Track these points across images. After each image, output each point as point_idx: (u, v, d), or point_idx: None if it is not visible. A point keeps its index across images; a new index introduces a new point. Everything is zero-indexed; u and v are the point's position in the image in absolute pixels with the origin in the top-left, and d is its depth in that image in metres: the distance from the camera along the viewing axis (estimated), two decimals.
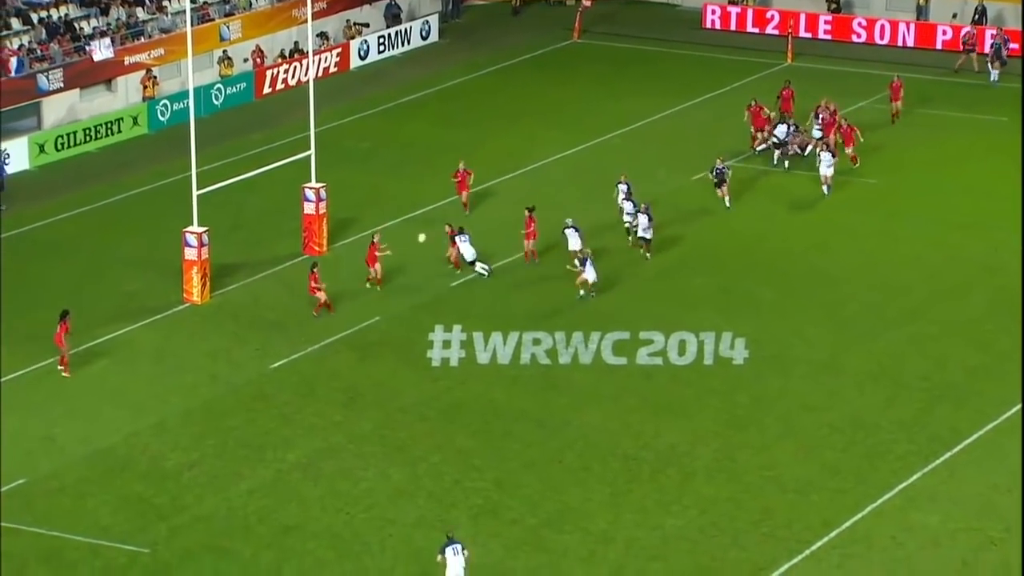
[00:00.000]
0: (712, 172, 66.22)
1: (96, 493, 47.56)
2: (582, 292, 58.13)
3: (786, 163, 70.79)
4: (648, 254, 61.26)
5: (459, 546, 41.88)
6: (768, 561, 44.11)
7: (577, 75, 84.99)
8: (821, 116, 71.58)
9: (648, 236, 61.19)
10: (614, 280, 60.59)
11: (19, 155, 72.00)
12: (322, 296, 57.06)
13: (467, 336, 55.46)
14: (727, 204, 65.78)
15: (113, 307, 58.90)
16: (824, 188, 67.58)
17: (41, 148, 72.92)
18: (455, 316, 56.64)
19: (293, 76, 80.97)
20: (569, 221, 60.75)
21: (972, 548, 45.00)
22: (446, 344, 55.34)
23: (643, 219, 60.91)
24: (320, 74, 78.25)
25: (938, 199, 68.57)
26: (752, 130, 72.56)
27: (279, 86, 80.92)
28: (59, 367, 53.49)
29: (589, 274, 58.06)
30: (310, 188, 62.72)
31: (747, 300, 59.12)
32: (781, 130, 71.18)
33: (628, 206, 62.64)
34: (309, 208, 62.85)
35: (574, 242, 60.23)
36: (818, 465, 48.78)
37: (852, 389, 53.40)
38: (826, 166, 67.30)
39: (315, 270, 57.22)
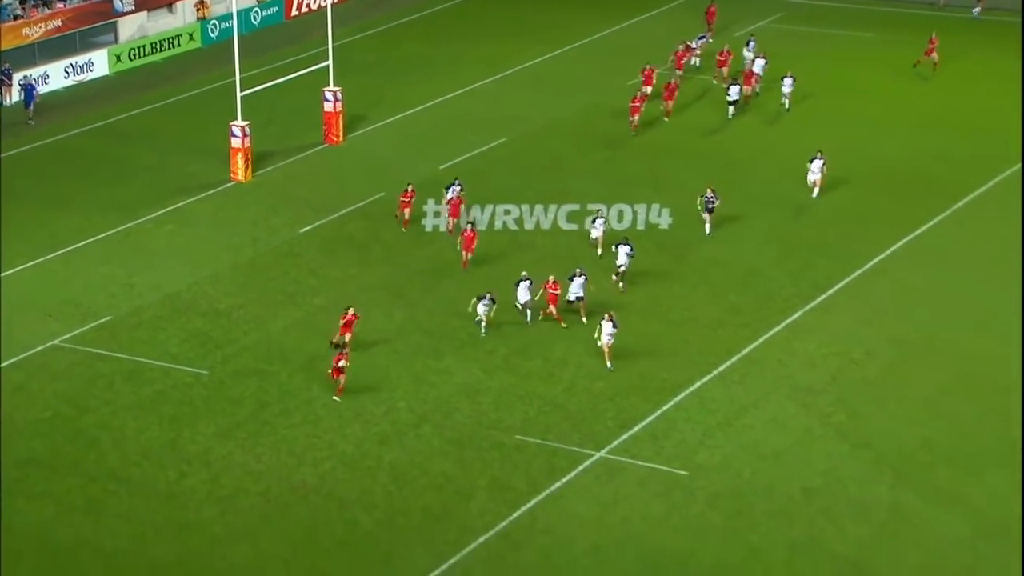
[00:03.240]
0: (702, 198, 54.12)
1: (166, 328, 48.14)
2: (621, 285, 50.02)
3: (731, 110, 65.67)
4: (622, 284, 50.19)
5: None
6: (686, 379, 44.73)
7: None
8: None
9: (624, 268, 50.11)
10: (567, 163, 60.91)
11: (100, 64, 72.01)
12: (341, 380, 44.19)
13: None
14: (708, 230, 54.01)
15: (176, 184, 59.11)
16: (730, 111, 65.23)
17: (118, 58, 72.82)
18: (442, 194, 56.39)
19: (315, 1, 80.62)
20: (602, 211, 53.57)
21: (839, 366, 45.81)
22: (436, 215, 55.35)
23: (623, 249, 49.98)
24: (337, 0, 78.16)
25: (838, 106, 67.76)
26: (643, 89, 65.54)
27: (304, 9, 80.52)
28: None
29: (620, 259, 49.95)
30: (329, 91, 62.72)
31: (672, 180, 58.83)
32: (734, 90, 64.94)
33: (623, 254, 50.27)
34: (328, 107, 62.80)
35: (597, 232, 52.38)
36: (725, 306, 49.26)
37: (752, 248, 53.59)
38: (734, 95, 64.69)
39: (344, 350, 44.79)
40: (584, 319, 47.31)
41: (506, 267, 50.78)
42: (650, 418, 42.79)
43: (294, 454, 41.37)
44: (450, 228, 53.81)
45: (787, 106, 65.79)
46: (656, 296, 50.16)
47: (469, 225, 52.09)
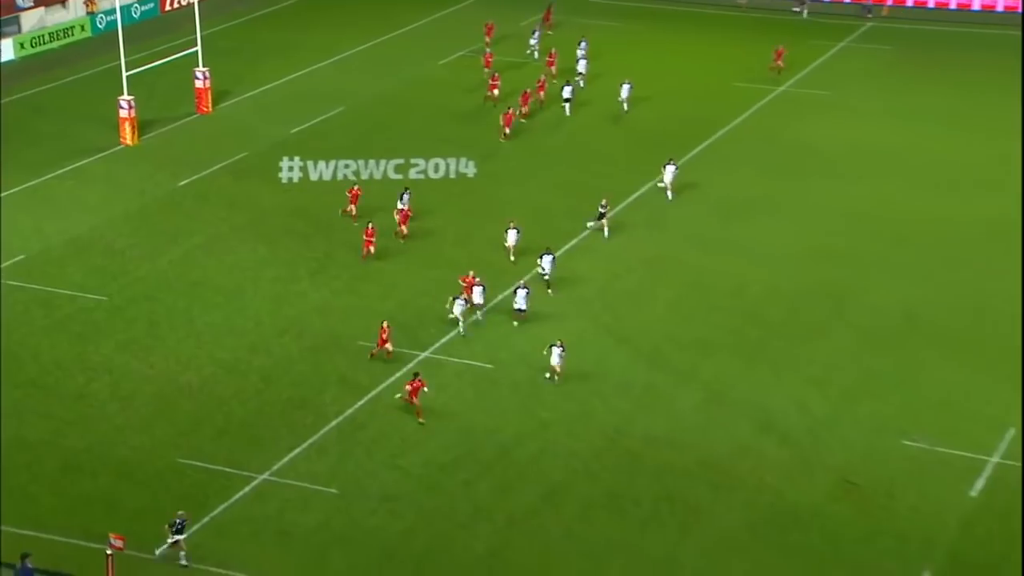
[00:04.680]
0: (600, 207, 49.78)
1: (71, 264, 47.70)
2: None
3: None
4: (550, 290, 45.54)
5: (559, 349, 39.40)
6: (490, 295, 45.00)
7: None
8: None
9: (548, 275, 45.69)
10: (393, 127, 60.82)
11: (7, 50, 70.22)
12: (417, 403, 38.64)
13: (303, 163, 55.27)
14: (605, 235, 49.53)
15: (76, 148, 58.06)
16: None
17: (22, 45, 71.06)
18: (296, 151, 56.33)
19: None
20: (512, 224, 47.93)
21: (606, 280, 46.12)
22: (290, 169, 55.20)
23: (547, 259, 45.54)
24: None
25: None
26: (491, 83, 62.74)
27: (176, 5, 78.79)
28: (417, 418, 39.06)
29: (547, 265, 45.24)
30: (199, 71, 62.10)
31: (476, 138, 58.97)
32: (567, 90, 61.16)
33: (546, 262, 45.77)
34: (199, 84, 62.18)
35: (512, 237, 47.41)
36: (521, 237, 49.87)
37: (543, 191, 53.82)
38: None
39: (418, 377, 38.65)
40: (514, 323, 43.28)
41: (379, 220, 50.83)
42: (462, 325, 43.60)
43: (180, 362, 41.48)
44: (401, 234, 48.99)
45: (626, 108, 61.61)
46: (467, 230, 50.48)
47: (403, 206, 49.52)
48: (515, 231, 47.30)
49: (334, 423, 38.37)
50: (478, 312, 43.50)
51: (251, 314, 44.40)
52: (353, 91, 65.56)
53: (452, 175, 55.05)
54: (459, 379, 40.80)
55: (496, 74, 63.41)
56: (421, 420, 38.01)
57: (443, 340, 42.73)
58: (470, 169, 55.32)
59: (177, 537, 32.33)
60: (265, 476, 35.95)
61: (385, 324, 41.17)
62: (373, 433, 38.10)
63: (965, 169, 56.15)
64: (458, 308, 42.69)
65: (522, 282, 44.07)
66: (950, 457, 36.84)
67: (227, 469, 36.19)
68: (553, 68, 65.48)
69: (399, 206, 49.72)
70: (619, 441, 37.63)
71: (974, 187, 54.30)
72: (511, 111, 59.14)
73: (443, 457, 37.06)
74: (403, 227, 49.05)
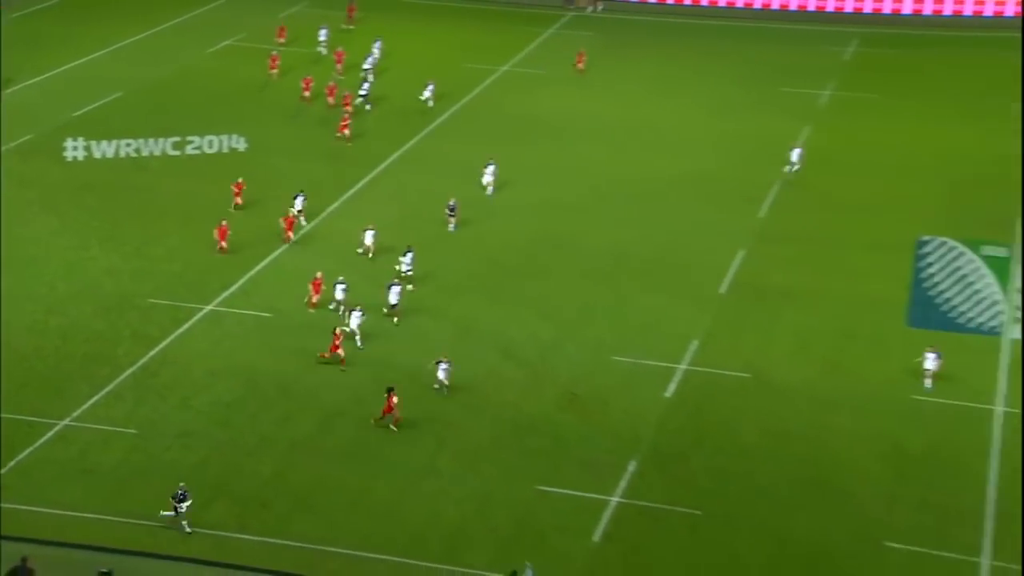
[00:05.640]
0: (447, 207, 47.35)
1: None
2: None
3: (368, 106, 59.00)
4: (410, 286, 42.41)
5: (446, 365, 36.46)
6: (266, 251, 44.58)
7: None
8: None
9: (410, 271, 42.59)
10: (170, 109, 59.12)
11: None
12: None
13: (87, 143, 53.18)
14: (451, 228, 46.90)
15: None
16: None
17: None
18: (79, 132, 54.18)
19: None
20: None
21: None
22: (75, 148, 53.08)
23: (408, 256, 42.55)
24: None
25: None
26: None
27: None
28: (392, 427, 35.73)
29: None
30: None
31: (243, 115, 57.40)
32: (365, 86, 58.28)
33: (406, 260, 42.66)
34: None
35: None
36: (288, 204, 48.88)
37: (314, 163, 53.14)
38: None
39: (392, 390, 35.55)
40: (395, 320, 40.55)
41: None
42: (242, 280, 43.24)
43: None
44: (286, 237, 45.23)
45: (430, 104, 58.44)
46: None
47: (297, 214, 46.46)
48: (372, 232, 44.34)
49: (128, 372, 37.72)
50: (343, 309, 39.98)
51: (46, 280, 43.05)
52: (130, 78, 63.43)
53: (225, 149, 53.88)
54: (242, 326, 40.59)
55: (309, 76, 60.53)
56: (394, 428, 35.16)
57: (225, 294, 42.33)
58: (240, 144, 54.20)
59: (179, 505, 30.98)
60: (66, 422, 35.17)
61: (338, 331, 38.23)
62: (165, 379, 37.64)
63: (659, 133, 58.20)
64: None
65: (396, 280, 41.45)
66: (650, 368, 38.87)
67: (31, 418, 35.17)
68: (340, 66, 62.55)
69: (292, 211, 45.97)
70: (384, 373, 38.05)
71: (665, 149, 56.43)
72: (346, 118, 55.71)
73: (229, 396, 36.94)
74: (289, 233, 45.04)
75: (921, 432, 35.80)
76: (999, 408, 36.67)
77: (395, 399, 35.22)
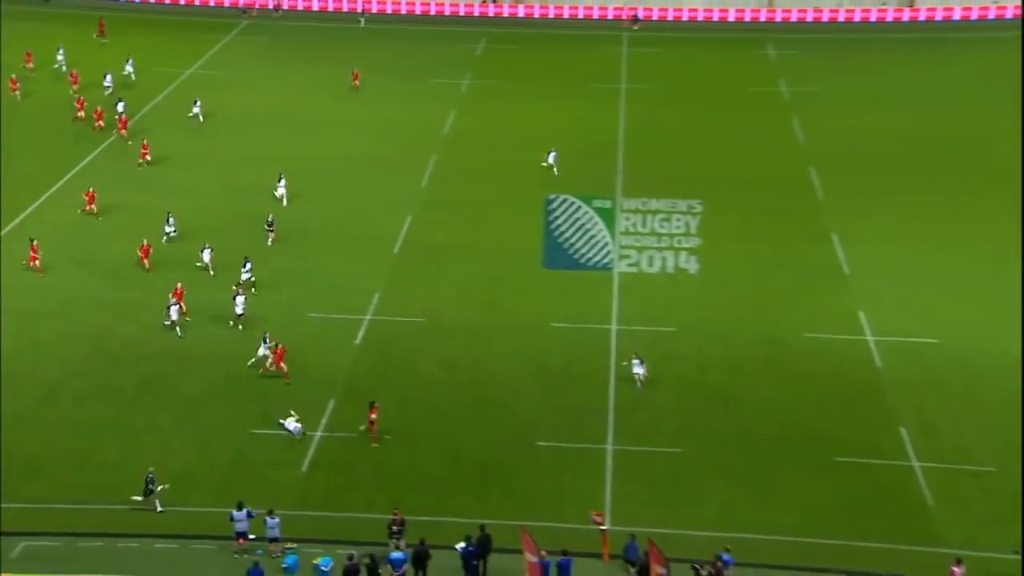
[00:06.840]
0: (266, 222, 43.53)
1: None
2: None
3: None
4: (253, 289, 39.39)
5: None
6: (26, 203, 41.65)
7: None
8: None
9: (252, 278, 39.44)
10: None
11: None
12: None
13: None
14: (269, 244, 42.82)
15: None
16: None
17: None
18: None
19: None
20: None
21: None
22: None
23: (248, 264, 39.50)
24: None
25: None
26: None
27: None
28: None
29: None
30: None
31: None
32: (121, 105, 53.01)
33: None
34: None
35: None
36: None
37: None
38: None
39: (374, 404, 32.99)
40: (240, 328, 37.46)
41: None
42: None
43: None
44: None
45: (201, 118, 54.43)
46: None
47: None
48: (209, 250, 40.61)
49: None
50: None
51: None
52: None
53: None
54: None
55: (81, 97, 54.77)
56: (375, 444, 32.29)
57: None
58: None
59: (152, 488, 29.40)
60: None
61: (281, 347, 35.12)
62: None
63: (331, 121, 57.13)
64: (174, 313, 36.70)
65: (239, 289, 38.25)
66: (339, 320, 38.84)
67: None
68: (76, 85, 57.09)
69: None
70: (103, 345, 36.34)
71: (337, 134, 55.61)
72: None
73: None
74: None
75: (559, 352, 37.69)
76: (614, 327, 39.23)
77: (374, 414, 32.21)
